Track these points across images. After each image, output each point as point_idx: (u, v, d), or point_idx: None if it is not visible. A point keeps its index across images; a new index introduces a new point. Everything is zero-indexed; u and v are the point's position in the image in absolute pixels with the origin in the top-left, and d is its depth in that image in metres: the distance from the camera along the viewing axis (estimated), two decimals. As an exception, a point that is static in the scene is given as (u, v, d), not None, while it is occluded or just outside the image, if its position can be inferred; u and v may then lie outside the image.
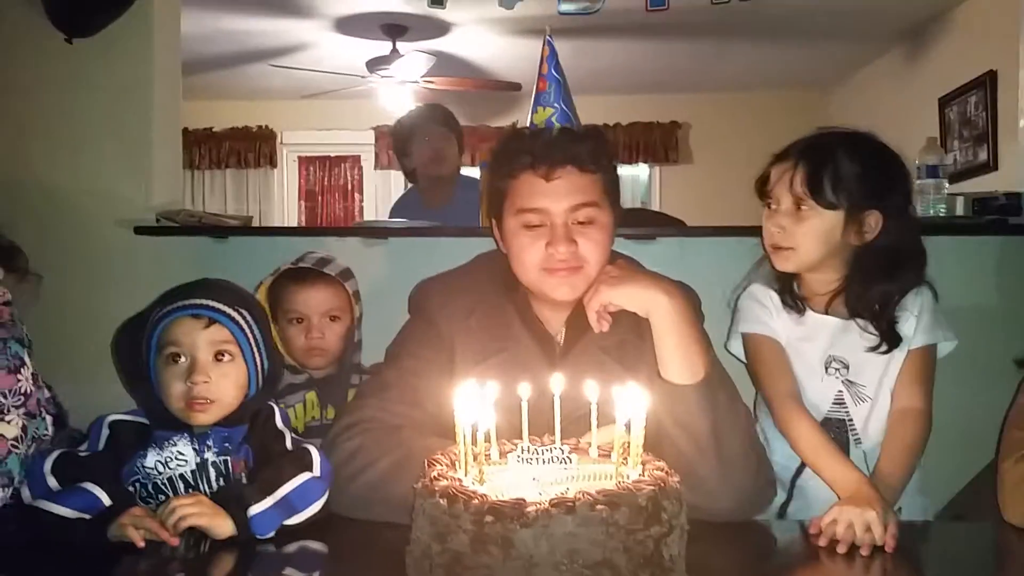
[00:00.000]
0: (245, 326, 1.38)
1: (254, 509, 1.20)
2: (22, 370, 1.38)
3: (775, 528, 1.43)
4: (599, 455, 1.03)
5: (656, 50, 5.59)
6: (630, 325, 1.37)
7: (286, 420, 1.42)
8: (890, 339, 1.54)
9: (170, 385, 1.32)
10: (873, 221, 1.52)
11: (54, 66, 2.39)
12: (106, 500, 1.20)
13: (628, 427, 0.97)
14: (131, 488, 1.29)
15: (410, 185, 3.36)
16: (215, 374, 1.33)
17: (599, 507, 0.85)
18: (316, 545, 1.22)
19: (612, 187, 1.44)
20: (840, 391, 1.57)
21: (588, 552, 0.84)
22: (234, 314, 1.38)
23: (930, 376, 1.59)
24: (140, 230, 2.31)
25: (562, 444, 1.01)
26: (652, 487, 0.89)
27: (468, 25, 5.11)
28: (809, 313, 1.60)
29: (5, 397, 1.36)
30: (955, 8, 4.75)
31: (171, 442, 1.32)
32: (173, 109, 2.55)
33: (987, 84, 4.39)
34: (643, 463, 0.97)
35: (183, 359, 1.33)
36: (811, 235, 1.52)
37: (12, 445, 1.33)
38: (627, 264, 1.47)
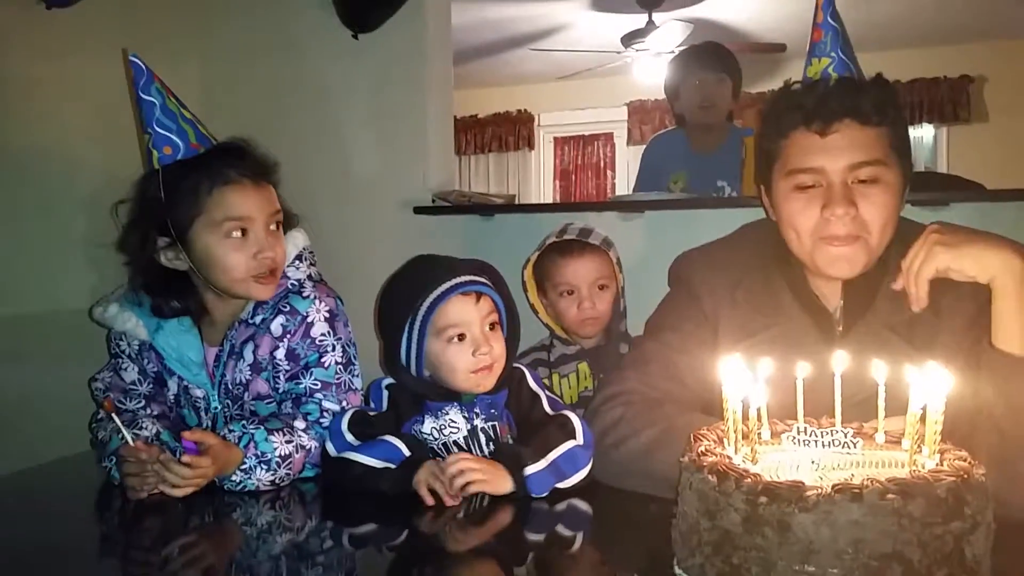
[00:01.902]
0: (499, 293, 1.44)
1: (530, 469, 1.26)
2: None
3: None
4: (887, 442, 0.94)
5: (942, -4, 4.96)
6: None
7: (538, 381, 1.47)
8: None
9: (456, 361, 1.38)
10: None
11: (342, 62, 2.65)
12: (405, 451, 1.32)
13: (923, 413, 0.87)
14: None
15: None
16: (491, 340, 1.40)
17: (890, 496, 0.77)
18: (583, 506, 1.26)
19: (901, 142, 1.28)
20: None
21: (876, 543, 0.77)
22: (490, 282, 1.43)
23: None
24: (419, 210, 2.51)
25: (844, 428, 0.93)
26: (953, 478, 0.80)
27: (727, -12, 4.91)
28: None
29: (352, 347, 1.54)
30: None
31: (444, 411, 1.39)
32: (446, 97, 2.72)
33: None
34: (941, 452, 0.87)
35: (464, 336, 1.38)
36: None
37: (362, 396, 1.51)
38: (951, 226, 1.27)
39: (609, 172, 7.30)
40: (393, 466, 1.30)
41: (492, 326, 1.41)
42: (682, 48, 3.08)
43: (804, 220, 1.27)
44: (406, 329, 1.40)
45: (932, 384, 0.85)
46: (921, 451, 0.87)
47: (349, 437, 1.37)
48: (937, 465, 0.84)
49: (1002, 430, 1.09)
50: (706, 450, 0.91)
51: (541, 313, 1.89)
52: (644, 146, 3.25)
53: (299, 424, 1.42)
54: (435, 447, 1.39)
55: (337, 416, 1.42)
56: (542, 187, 7.40)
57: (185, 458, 1.28)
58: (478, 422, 1.39)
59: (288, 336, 1.49)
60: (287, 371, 1.49)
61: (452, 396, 1.41)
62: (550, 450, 1.29)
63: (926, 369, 0.86)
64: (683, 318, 1.42)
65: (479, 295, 1.40)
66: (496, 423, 1.40)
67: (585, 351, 1.86)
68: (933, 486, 0.79)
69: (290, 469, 1.37)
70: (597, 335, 1.86)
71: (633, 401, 1.34)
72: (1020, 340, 1.12)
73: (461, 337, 1.38)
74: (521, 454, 1.29)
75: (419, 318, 1.38)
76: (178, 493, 1.28)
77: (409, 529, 1.21)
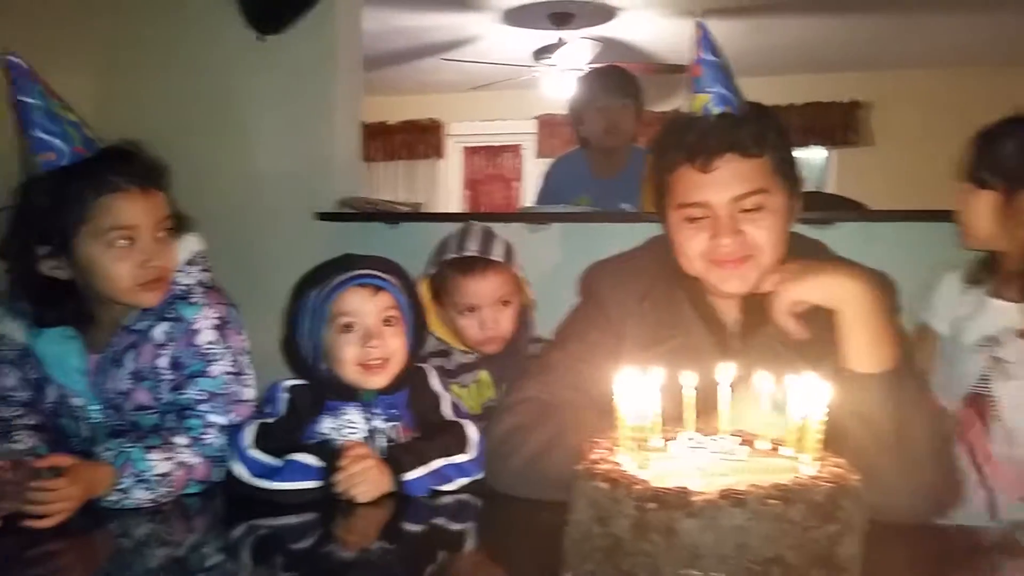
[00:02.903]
0: (403, 292, 1.45)
1: (408, 476, 1.29)
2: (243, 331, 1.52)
3: (961, 533, 1.30)
4: (771, 449, 0.97)
5: (836, 25, 5.24)
6: (816, 317, 1.26)
7: (441, 381, 1.47)
8: None
9: (343, 351, 1.38)
10: None
11: (247, 63, 2.58)
12: (316, 463, 1.29)
13: (804, 420, 0.91)
14: None
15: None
16: (386, 336, 1.40)
17: (772, 501, 0.80)
18: (474, 512, 1.29)
19: (784, 166, 1.33)
20: (987, 367, 1.52)
21: (758, 547, 0.80)
22: (395, 281, 1.44)
23: None
24: (323, 216, 2.46)
25: (731, 435, 0.96)
26: (830, 484, 0.83)
27: (633, 9, 5.03)
28: (979, 293, 1.60)
29: (245, 356, 1.48)
30: None
31: (342, 411, 1.39)
32: (355, 103, 2.68)
33: None
34: (820, 459, 0.91)
35: (356, 327, 1.39)
36: (976, 215, 1.57)
37: (254, 407, 1.45)
38: (816, 254, 1.35)
39: (517, 184, 7.36)
40: (312, 484, 1.27)
41: (389, 321, 1.41)
42: (587, 71, 3.10)
43: (694, 246, 1.33)
44: (306, 316, 1.40)
45: (810, 393, 0.89)
46: (801, 458, 0.91)
47: (257, 454, 1.31)
48: (816, 472, 0.88)
49: (857, 440, 1.14)
50: (599, 458, 0.92)
51: (437, 330, 1.82)
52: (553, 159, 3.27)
53: (180, 440, 1.36)
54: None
55: (237, 433, 1.36)
56: (450, 196, 7.40)
57: (34, 483, 1.18)
58: (377, 422, 1.39)
59: (172, 344, 1.43)
60: (170, 381, 1.43)
61: (351, 395, 1.40)
62: (435, 459, 1.32)
63: (806, 380, 0.90)
64: (590, 328, 1.44)
65: (377, 289, 1.41)
66: (397, 423, 1.40)
67: (485, 359, 1.82)
68: (812, 491, 0.82)
69: (171, 487, 1.31)
70: (500, 349, 1.81)
71: (531, 409, 1.35)
72: (863, 359, 1.19)
73: (351, 327, 1.38)
74: (403, 460, 1.30)
75: (317, 305, 1.39)
76: (42, 523, 1.17)
77: (298, 539, 1.19)
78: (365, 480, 1.26)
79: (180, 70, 2.63)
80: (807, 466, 0.89)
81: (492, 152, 7.42)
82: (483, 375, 1.81)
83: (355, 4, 2.68)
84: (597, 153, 2.95)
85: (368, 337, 1.38)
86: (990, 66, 5.68)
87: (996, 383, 1.51)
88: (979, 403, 1.52)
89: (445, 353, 1.84)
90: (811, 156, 6.44)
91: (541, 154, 6.97)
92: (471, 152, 7.46)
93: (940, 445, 1.22)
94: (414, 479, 1.30)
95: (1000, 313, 1.53)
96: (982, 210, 1.54)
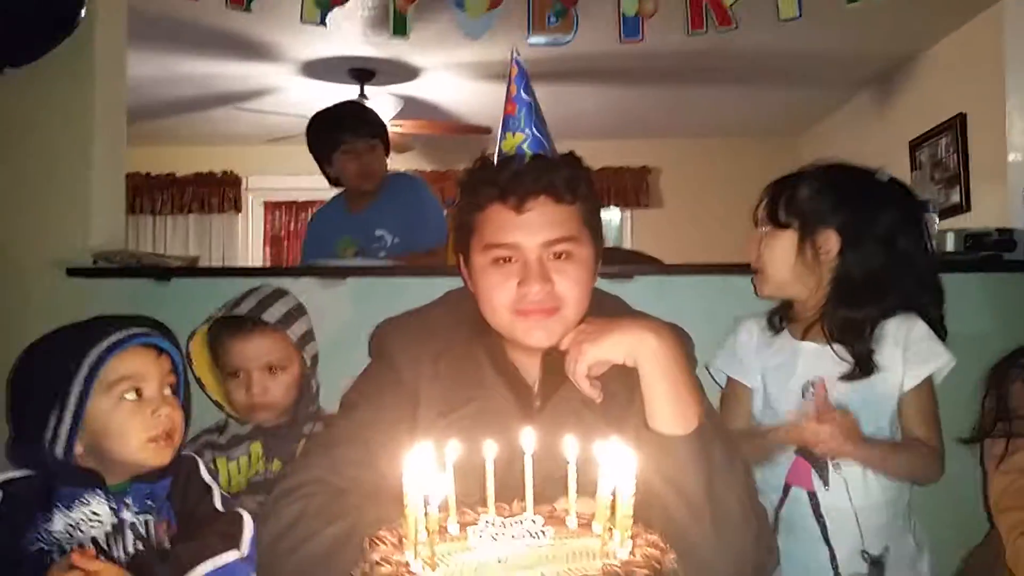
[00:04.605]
0: (180, 356, 1.26)
1: None
2: None
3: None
4: (579, 525, 0.86)
5: (626, 95, 5.56)
6: (616, 374, 1.20)
7: (211, 472, 1.27)
8: (864, 367, 1.47)
9: (129, 424, 1.15)
10: (826, 240, 1.51)
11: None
12: None
13: (613, 493, 0.81)
14: (36, 554, 1.09)
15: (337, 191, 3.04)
16: (171, 407, 1.20)
17: (581, 599, 0.69)
18: None
19: (592, 218, 1.30)
20: None
21: (569, 656, 0.68)
22: (171, 343, 1.25)
23: (933, 410, 1.51)
24: (73, 271, 2.15)
25: (534, 514, 0.84)
26: (645, 571, 0.73)
27: (437, 70, 5.04)
28: (787, 339, 1.58)
29: None
30: (923, 52, 4.78)
31: (82, 500, 1.13)
32: (115, 145, 2.42)
33: (957, 127, 4.39)
34: (633, 537, 0.80)
35: (142, 392, 1.18)
36: (773, 257, 1.56)
37: None
38: (615, 309, 1.32)
39: (323, 240, 7.09)
40: None
41: (171, 388, 1.22)
42: (322, 108, 2.98)
43: (501, 294, 1.24)
44: (62, 387, 1.13)
45: (618, 464, 0.79)
46: (612, 537, 0.80)
47: None
48: (629, 554, 0.77)
49: (669, 509, 1.08)
50: (382, 559, 0.76)
51: (209, 387, 1.64)
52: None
53: None
54: (68, 548, 1.09)
55: None
56: (251, 252, 6.96)
57: None
58: (127, 515, 1.14)
59: None
60: None
61: (93, 481, 1.14)
62: (199, 563, 1.08)
63: (611, 447, 0.80)
64: (381, 392, 1.30)
65: (160, 351, 1.21)
66: (151, 517, 1.16)
67: (261, 429, 1.63)
68: (625, 583, 0.71)
69: None
70: (275, 420, 1.64)
71: (315, 493, 1.18)
72: (665, 418, 1.13)
73: (138, 393, 1.16)
74: (157, 571, 1.06)
75: (84, 370, 1.13)
76: None
77: None
78: None
79: None
80: (619, 547, 0.79)
81: (296, 207, 7.09)
82: (254, 447, 1.62)
83: (116, 38, 2.42)
84: (352, 193, 2.86)
85: (156, 404, 1.17)
86: (755, 136, 6.28)
87: None
88: (812, 453, 1.46)
89: (219, 429, 1.65)
90: (608, 217, 6.77)
91: (348, 209, 6.77)
92: (272, 207, 7.09)
93: (751, 508, 1.17)
94: None
95: (817, 357, 1.51)
96: (780, 250, 1.53)
